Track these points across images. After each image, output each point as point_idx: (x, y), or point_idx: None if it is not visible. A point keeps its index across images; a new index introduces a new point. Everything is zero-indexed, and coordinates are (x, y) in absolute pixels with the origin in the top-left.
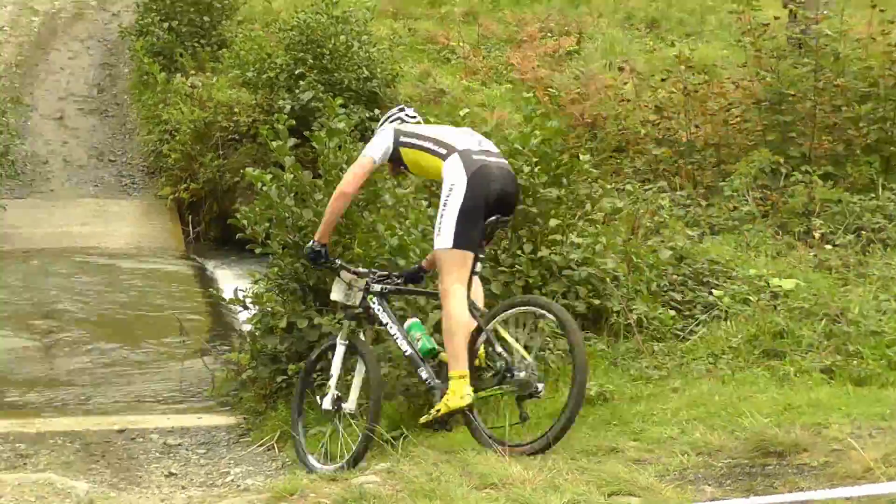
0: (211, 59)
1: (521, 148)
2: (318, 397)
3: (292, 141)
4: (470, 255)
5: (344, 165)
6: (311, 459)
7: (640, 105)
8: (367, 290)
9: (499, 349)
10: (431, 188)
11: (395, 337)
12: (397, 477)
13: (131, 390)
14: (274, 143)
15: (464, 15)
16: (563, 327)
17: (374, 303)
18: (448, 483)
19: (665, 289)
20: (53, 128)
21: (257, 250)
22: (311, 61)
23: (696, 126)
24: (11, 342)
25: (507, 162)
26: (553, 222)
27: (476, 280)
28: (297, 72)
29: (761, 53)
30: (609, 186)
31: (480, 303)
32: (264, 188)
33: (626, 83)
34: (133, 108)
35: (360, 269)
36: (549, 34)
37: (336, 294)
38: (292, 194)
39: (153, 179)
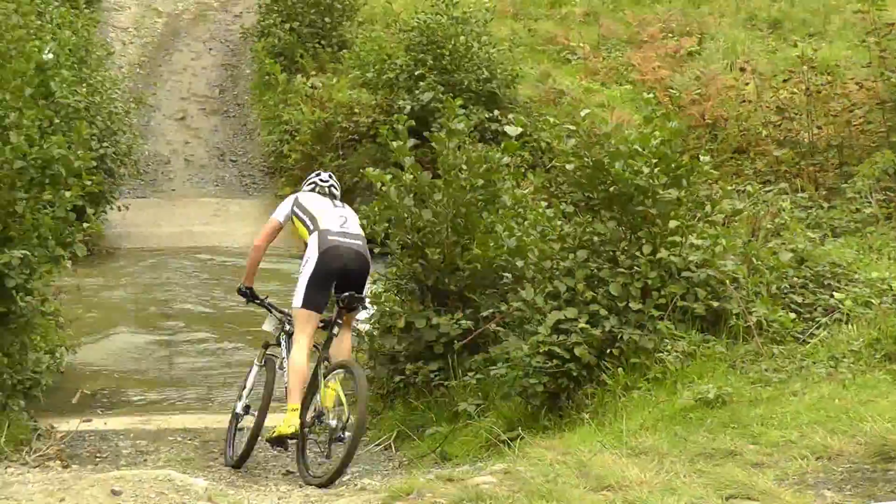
0: (331, 60)
1: (640, 149)
2: (236, 402)
3: (412, 141)
4: (315, 314)
5: (463, 166)
6: (230, 456)
7: (761, 106)
8: (282, 328)
9: (318, 398)
10: (549, 188)
11: (284, 370)
12: (514, 477)
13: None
14: (394, 144)
15: (584, 15)
16: (356, 386)
17: (283, 339)
18: (565, 484)
19: (785, 291)
20: (176, 128)
21: (376, 250)
22: (431, 62)
23: (819, 127)
24: (133, 340)
25: (360, 243)
26: (672, 223)
27: (343, 338)
28: (416, 72)
29: (886, 53)
30: (729, 188)
31: (341, 357)
32: (384, 188)
33: (747, 84)
34: (254, 108)
35: (284, 310)
36: (670, 34)
37: (267, 326)
38: (412, 195)
39: (273, 179)
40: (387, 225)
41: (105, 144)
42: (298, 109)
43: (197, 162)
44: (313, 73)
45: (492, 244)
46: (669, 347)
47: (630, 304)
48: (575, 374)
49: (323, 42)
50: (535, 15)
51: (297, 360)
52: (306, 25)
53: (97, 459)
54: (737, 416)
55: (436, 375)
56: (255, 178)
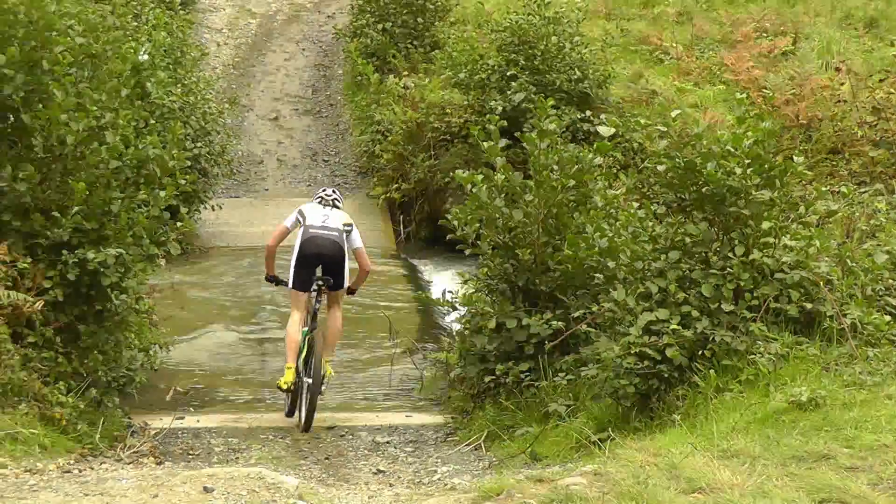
0: (423, 61)
1: (733, 149)
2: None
3: (503, 142)
4: (302, 293)
5: (554, 167)
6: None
7: (856, 106)
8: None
9: (299, 363)
10: (641, 189)
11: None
12: (604, 479)
13: (341, 389)
14: (485, 144)
15: (677, 15)
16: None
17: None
18: (655, 486)
19: (880, 293)
20: (269, 128)
21: (467, 251)
22: (523, 62)
23: None
24: (226, 339)
25: (336, 234)
26: (765, 224)
27: (333, 315)
28: (508, 73)
29: None
30: (823, 189)
31: (328, 332)
32: (475, 189)
33: (842, 84)
34: (346, 108)
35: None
36: (763, 34)
37: None
38: (503, 195)
39: (365, 179)
40: (478, 225)
41: (199, 144)
42: (390, 109)
43: (289, 162)
44: (405, 73)
45: (583, 245)
46: (762, 349)
47: (722, 306)
48: (666, 375)
49: (415, 42)
50: (627, 15)
51: (289, 330)
52: (399, 26)
53: (189, 456)
54: (830, 419)
55: (526, 376)
56: (347, 177)
